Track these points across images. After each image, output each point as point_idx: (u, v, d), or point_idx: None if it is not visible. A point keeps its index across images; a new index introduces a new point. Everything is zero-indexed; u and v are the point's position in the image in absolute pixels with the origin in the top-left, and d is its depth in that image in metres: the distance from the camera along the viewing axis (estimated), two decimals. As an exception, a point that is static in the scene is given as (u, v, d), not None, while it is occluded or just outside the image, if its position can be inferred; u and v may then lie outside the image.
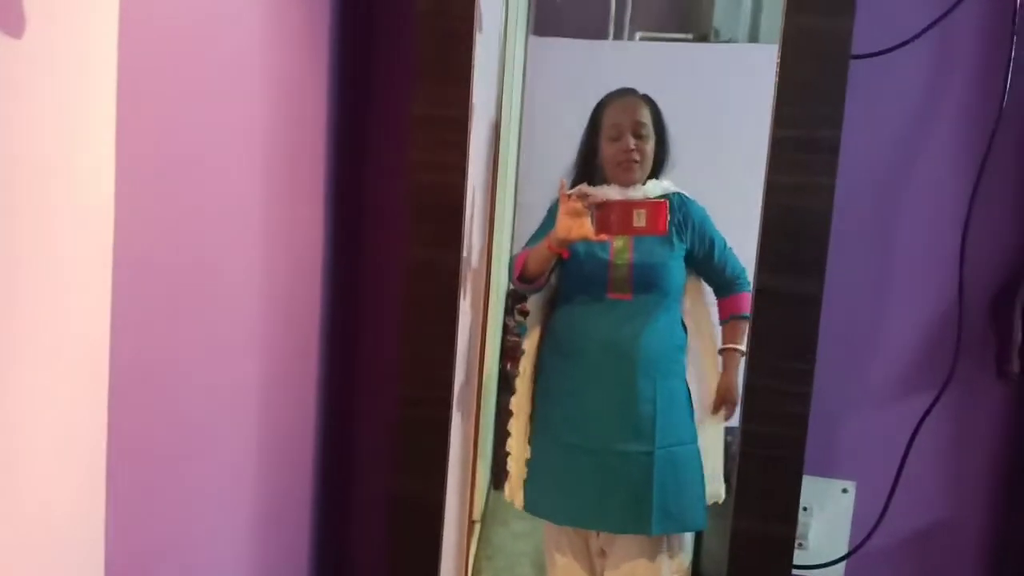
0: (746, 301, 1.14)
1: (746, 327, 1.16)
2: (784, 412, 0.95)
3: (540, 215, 1.32)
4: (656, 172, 1.26)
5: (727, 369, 1.23)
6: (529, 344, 1.32)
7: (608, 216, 1.14)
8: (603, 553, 1.30)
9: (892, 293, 1.12)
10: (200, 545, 0.78)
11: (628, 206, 1.15)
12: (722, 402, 1.22)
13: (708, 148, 1.31)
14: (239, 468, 0.85)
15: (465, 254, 1.13)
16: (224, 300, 0.78)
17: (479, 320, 1.37)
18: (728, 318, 1.23)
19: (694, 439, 1.22)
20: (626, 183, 1.25)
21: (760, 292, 0.95)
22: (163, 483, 0.69)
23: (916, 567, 1.15)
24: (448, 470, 0.99)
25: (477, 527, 1.50)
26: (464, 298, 1.17)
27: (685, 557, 1.25)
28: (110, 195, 0.56)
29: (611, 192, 1.24)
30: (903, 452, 1.10)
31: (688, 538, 1.26)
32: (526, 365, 1.32)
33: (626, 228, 1.15)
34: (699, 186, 1.28)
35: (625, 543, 1.27)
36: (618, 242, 1.23)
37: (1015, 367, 1.04)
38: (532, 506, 1.31)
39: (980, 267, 1.09)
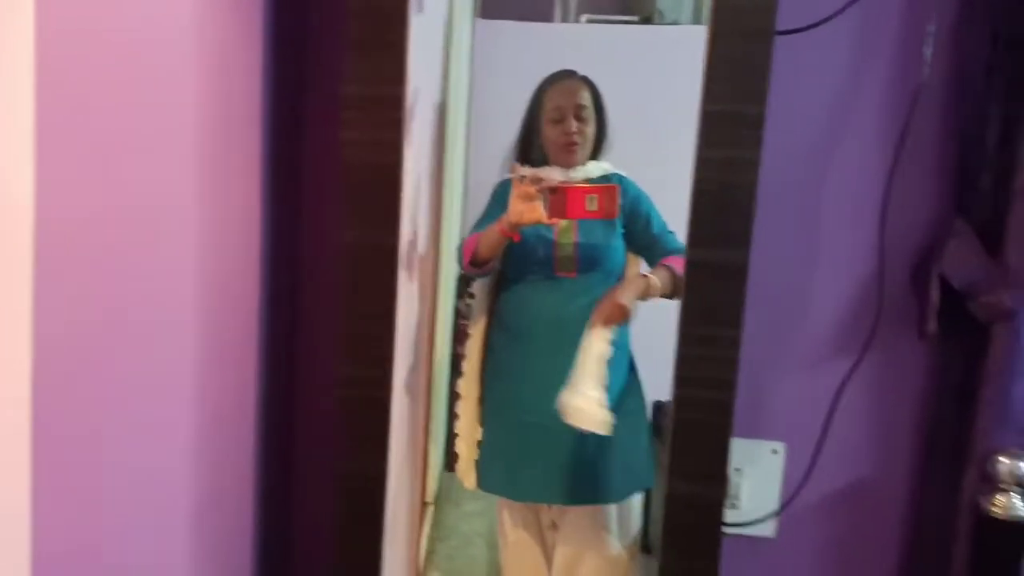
0: (678, 261, 1.19)
1: (669, 277, 1.21)
2: (714, 377, 0.98)
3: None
4: (595, 153, 1.29)
5: (629, 281, 1.25)
6: (475, 326, 1.34)
7: (561, 201, 1.16)
8: (554, 526, 1.34)
9: (816, 261, 1.16)
10: (138, 532, 0.78)
11: (581, 191, 1.18)
12: (608, 304, 1.24)
13: (651, 128, 1.34)
14: (178, 452, 0.85)
15: (411, 238, 1.14)
16: (158, 283, 0.78)
17: (428, 305, 1.39)
18: (657, 267, 1.27)
19: (642, 408, 1.26)
20: (567, 164, 1.27)
21: (691, 263, 0.98)
22: (96, 471, 0.69)
23: (843, 522, 1.21)
24: (390, 448, 1.01)
25: (431, 509, 1.54)
26: (412, 281, 1.18)
27: (634, 526, 1.29)
28: (30, 178, 0.56)
29: (553, 173, 1.27)
30: (828, 413, 1.14)
31: (637, 508, 1.30)
32: (473, 347, 1.34)
33: (579, 212, 1.18)
34: (639, 166, 1.31)
35: (576, 514, 1.31)
36: (563, 223, 1.25)
37: (932, 327, 1.09)
38: (486, 484, 1.34)
39: (900, 235, 1.13)
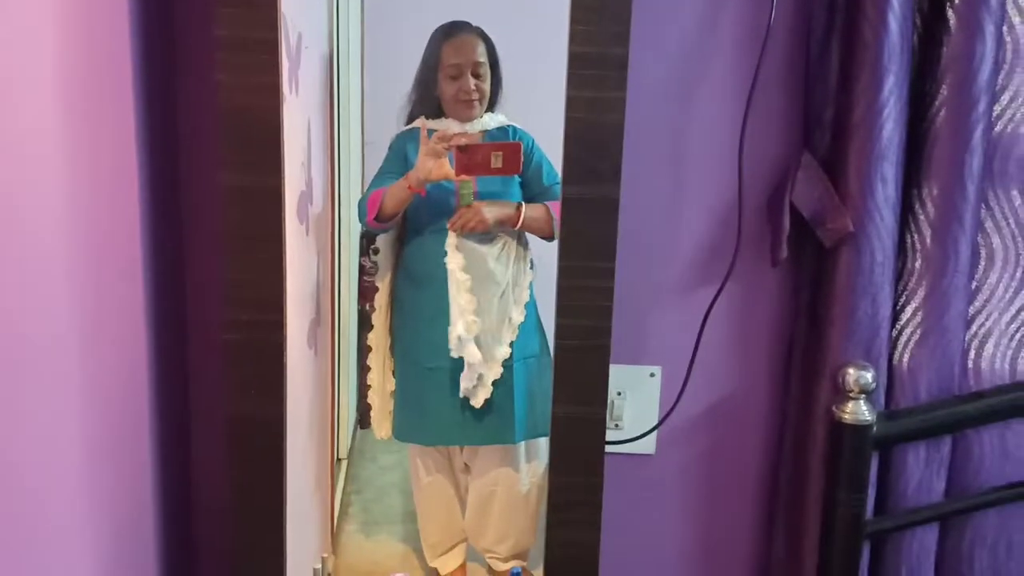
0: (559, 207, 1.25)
1: (543, 211, 1.28)
2: (592, 306, 1.05)
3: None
4: (491, 106, 1.32)
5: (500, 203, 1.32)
6: (382, 279, 1.37)
7: (467, 158, 1.23)
8: (467, 468, 1.40)
9: (681, 195, 1.25)
10: (31, 481, 0.78)
11: (487, 148, 1.24)
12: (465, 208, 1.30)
13: (541, 76, 1.37)
14: (66, 402, 0.85)
15: (304, 188, 1.15)
16: (32, 239, 0.78)
17: (328, 261, 1.39)
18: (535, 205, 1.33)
19: (546, 351, 1.32)
20: (465, 119, 1.31)
21: (566, 200, 1.04)
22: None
23: (715, 436, 1.32)
24: (286, 390, 1.03)
25: (344, 465, 1.55)
26: (308, 235, 1.19)
27: (540, 462, 1.36)
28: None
29: (450, 125, 1.30)
30: (696, 337, 1.24)
31: (543, 444, 1.37)
32: (381, 299, 1.37)
33: (484, 169, 1.24)
34: (532, 114, 1.35)
35: (487, 455, 1.37)
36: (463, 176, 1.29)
37: (784, 253, 1.19)
38: (401, 433, 1.38)
39: (755, 169, 1.23)
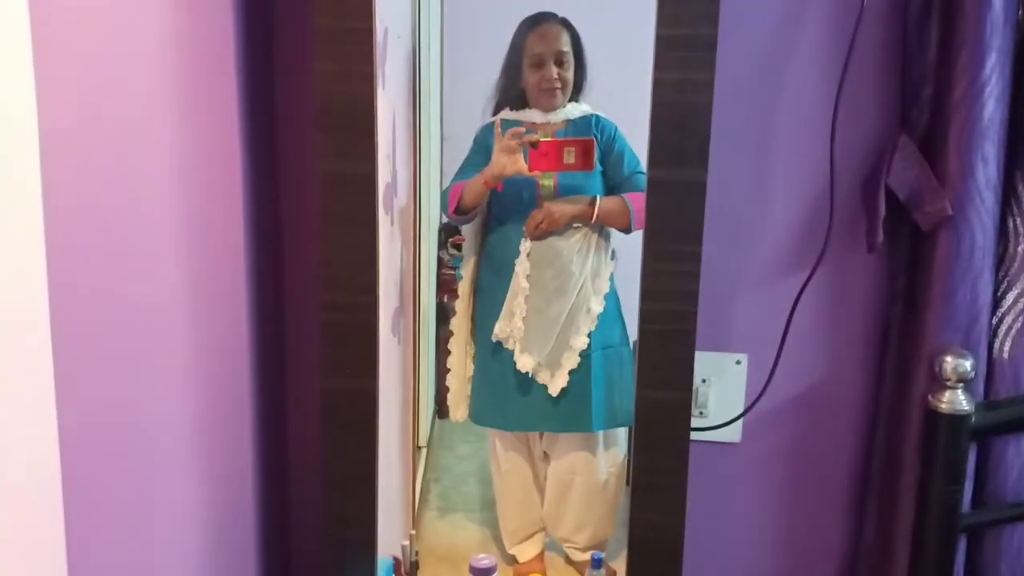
0: (637, 197, 1.26)
1: (619, 203, 1.30)
2: (677, 290, 1.05)
3: (467, 147, 1.38)
4: (575, 95, 1.34)
5: (573, 199, 1.33)
6: (466, 269, 1.40)
7: (540, 154, 1.26)
8: (546, 457, 1.42)
9: (771, 179, 1.23)
10: (146, 450, 0.84)
11: (559, 145, 1.26)
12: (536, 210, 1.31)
13: (628, 65, 1.36)
14: (173, 384, 0.90)
15: (389, 180, 1.19)
16: (145, 224, 0.83)
17: (410, 252, 1.41)
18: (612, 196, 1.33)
19: (626, 342, 1.33)
20: (548, 108, 1.33)
21: (652, 183, 1.04)
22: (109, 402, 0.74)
23: (803, 424, 1.30)
24: (379, 367, 1.07)
25: (423, 453, 1.58)
26: (392, 224, 1.23)
27: (620, 449, 1.37)
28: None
29: (533, 116, 1.32)
30: (785, 323, 1.22)
31: (622, 434, 1.38)
32: (465, 288, 1.40)
33: (557, 165, 1.27)
34: (618, 104, 1.36)
35: (565, 442, 1.39)
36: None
37: (880, 238, 1.16)
38: (479, 417, 1.41)
39: (849, 151, 1.20)
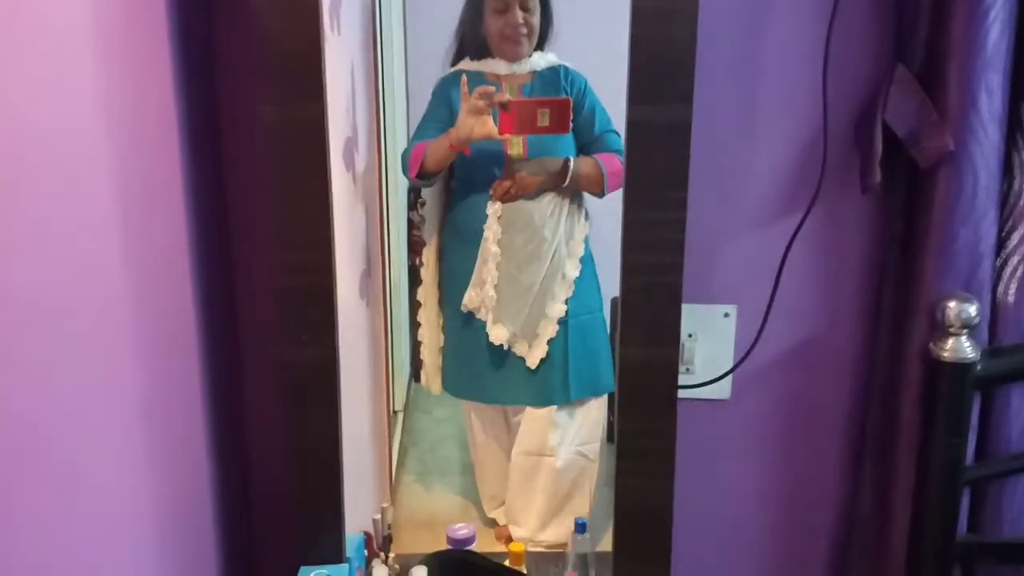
0: (610, 159, 1.19)
1: (592, 164, 1.21)
2: (661, 239, 0.97)
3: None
4: (541, 44, 1.23)
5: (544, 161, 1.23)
6: (430, 235, 1.31)
7: (512, 116, 1.15)
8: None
9: (759, 120, 1.14)
10: (83, 440, 0.75)
11: (532, 105, 1.16)
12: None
13: (591, 11, 1.27)
14: (115, 365, 0.82)
15: (350, 134, 1.09)
16: (78, 189, 0.73)
17: (376, 212, 1.34)
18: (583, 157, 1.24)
19: (600, 308, 1.25)
20: (513, 57, 1.22)
21: (631, 125, 0.95)
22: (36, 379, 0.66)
23: (795, 379, 1.23)
24: (338, 333, 0.98)
25: (400, 417, 1.53)
26: (354, 183, 1.14)
27: (597, 427, 1.30)
28: None
29: (498, 66, 1.22)
30: (776, 272, 1.14)
31: (600, 409, 1.30)
32: (429, 255, 1.32)
33: (530, 128, 1.16)
34: (583, 55, 1.26)
35: (532, 417, 1.32)
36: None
37: (877, 178, 1.08)
38: (454, 389, 1.34)
39: (842, 88, 1.11)
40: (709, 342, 1.21)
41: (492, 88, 1.17)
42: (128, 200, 0.84)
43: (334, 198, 0.97)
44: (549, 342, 1.23)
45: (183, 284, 1.00)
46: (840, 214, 1.16)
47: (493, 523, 1.36)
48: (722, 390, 1.22)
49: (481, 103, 1.15)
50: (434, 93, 1.27)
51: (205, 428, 1.05)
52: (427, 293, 1.33)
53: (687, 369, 1.21)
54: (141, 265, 0.87)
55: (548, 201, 1.22)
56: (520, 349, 1.25)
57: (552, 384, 1.26)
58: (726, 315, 1.20)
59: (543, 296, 1.23)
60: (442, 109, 1.23)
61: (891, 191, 1.13)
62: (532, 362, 1.24)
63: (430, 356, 1.35)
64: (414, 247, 1.37)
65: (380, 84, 1.32)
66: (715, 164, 1.13)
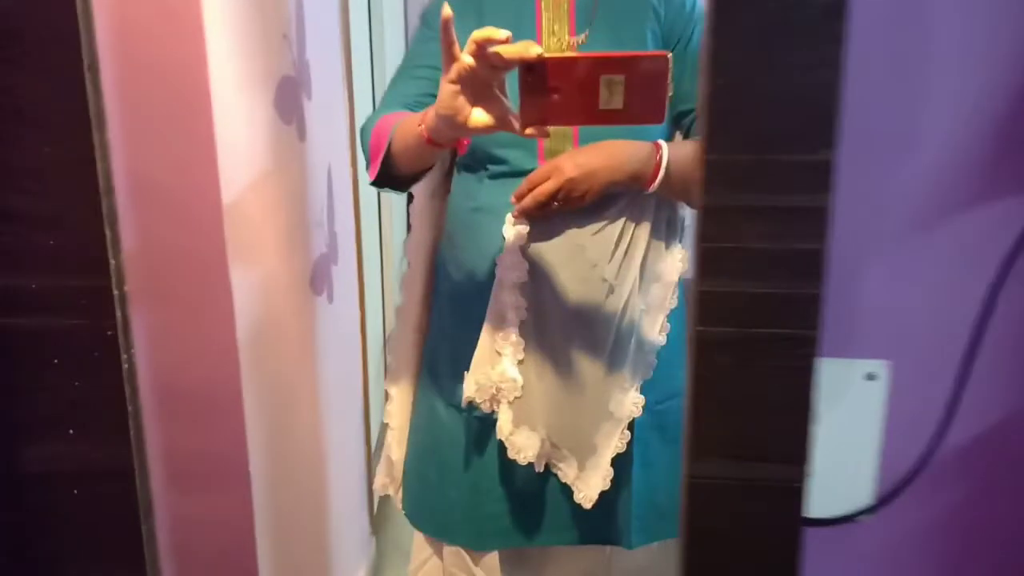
0: None
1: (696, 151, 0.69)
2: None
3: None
4: None
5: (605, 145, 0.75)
6: (415, 265, 0.83)
7: (551, 92, 0.59)
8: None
9: (922, 104, 0.67)
10: None
11: (590, 66, 0.60)
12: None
13: None
14: None
15: (292, 74, 0.75)
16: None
17: (351, 180, 1.09)
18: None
19: (682, 390, 0.77)
20: None
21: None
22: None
23: (976, 482, 0.76)
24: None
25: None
26: (300, 140, 0.81)
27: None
28: None
29: None
30: (980, 315, 0.68)
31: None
32: (411, 305, 0.87)
33: (585, 114, 0.62)
34: None
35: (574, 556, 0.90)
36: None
37: None
38: (430, 526, 0.90)
39: None
40: (840, 420, 0.75)
41: (505, 32, 0.61)
42: None
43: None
44: (613, 461, 0.76)
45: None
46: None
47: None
48: (860, 495, 0.76)
49: (476, 65, 0.61)
50: (423, 16, 0.81)
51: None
52: (401, 372, 0.85)
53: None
54: None
55: (612, 220, 0.74)
56: (567, 475, 0.77)
57: (601, 518, 0.79)
58: (870, 376, 0.73)
59: (603, 382, 0.75)
60: (434, 43, 0.71)
61: None
62: (587, 499, 0.76)
63: (400, 466, 0.91)
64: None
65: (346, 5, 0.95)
66: (859, 165, 0.67)
